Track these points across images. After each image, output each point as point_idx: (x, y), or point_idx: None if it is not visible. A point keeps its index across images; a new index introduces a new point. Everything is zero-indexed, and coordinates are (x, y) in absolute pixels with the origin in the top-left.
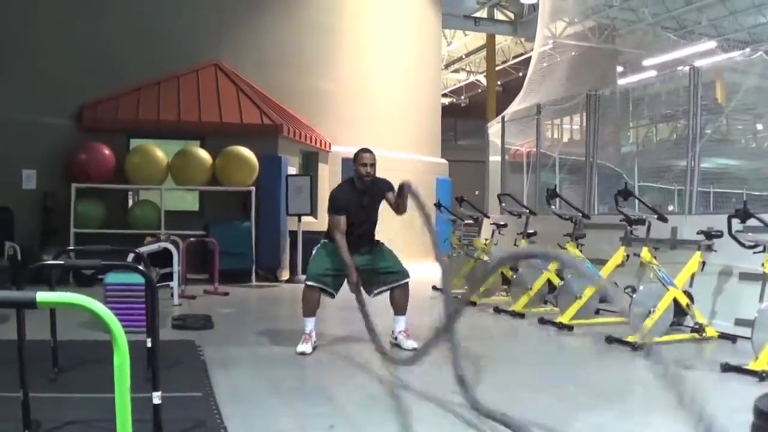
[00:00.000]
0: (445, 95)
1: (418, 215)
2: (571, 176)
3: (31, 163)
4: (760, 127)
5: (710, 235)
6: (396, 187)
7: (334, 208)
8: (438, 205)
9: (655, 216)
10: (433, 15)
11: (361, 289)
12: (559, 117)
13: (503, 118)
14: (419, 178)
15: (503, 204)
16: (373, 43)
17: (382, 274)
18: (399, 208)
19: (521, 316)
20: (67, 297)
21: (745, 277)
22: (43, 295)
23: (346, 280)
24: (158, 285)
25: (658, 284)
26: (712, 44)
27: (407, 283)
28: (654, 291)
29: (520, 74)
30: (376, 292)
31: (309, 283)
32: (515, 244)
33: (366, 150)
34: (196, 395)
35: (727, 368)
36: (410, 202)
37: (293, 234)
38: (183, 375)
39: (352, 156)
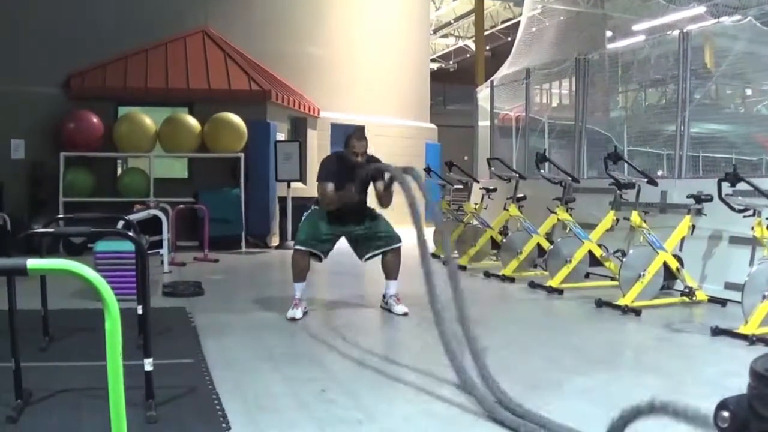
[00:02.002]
0: (433, 60)
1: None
2: (560, 141)
3: (19, 132)
4: (749, 92)
5: (700, 198)
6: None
7: (322, 176)
8: (427, 170)
9: (645, 180)
10: None
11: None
12: (548, 81)
13: (492, 82)
14: (408, 143)
15: (492, 168)
16: (362, 9)
17: (374, 238)
18: (382, 201)
19: (511, 280)
20: (57, 263)
21: (735, 240)
22: (33, 262)
23: (335, 245)
24: (148, 252)
25: (648, 248)
26: (701, 9)
27: (399, 247)
28: (644, 255)
29: (509, 39)
30: (367, 256)
31: (298, 247)
32: (505, 209)
33: (360, 137)
34: (188, 362)
35: (717, 332)
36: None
37: (282, 200)
38: (174, 342)
39: (340, 121)
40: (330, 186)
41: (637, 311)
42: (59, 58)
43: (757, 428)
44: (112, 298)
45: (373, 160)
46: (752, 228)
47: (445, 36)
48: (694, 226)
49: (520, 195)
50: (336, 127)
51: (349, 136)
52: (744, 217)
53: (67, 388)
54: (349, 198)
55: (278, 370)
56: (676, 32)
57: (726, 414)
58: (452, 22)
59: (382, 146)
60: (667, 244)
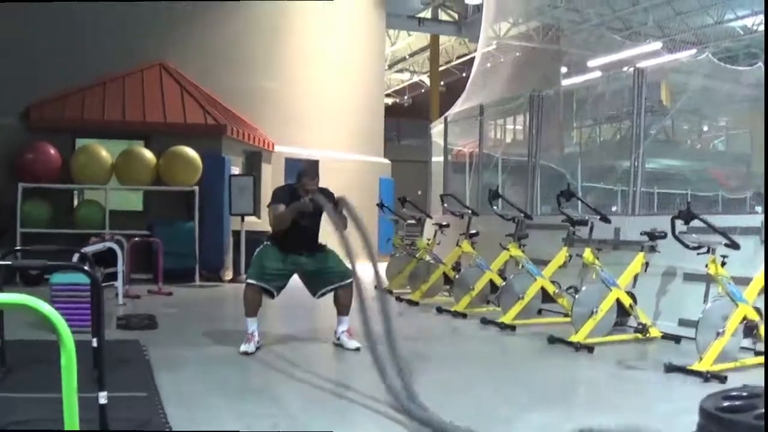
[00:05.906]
0: (388, 95)
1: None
2: (514, 177)
3: None
4: (705, 128)
5: (654, 236)
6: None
7: (274, 200)
8: (381, 206)
9: (598, 217)
10: (378, 15)
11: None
12: (502, 117)
13: (446, 118)
14: (362, 178)
15: (446, 204)
16: (318, 43)
17: (326, 274)
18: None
19: (463, 316)
20: (14, 298)
21: (689, 277)
22: None
23: (287, 281)
24: (103, 285)
25: (601, 285)
26: (657, 45)
27: (351, 283)
28: (597, 291)
29: (464, 75)
30: (320, 293)
31: (250, 281)
32: (458, 245)
33: (312, 176)
34: (141, 395)
35: (670, 368)
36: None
37: (236, 234)
38: (128, 375)
39: (294, 155)
40: (281, 206)
41: (590, 348)
42: (18, 89)
43: None
44: (67, 331)
45: (325, 192)
46: (706, 265)
47: (401, 71)
48: (647, 263)
49: (472, 231)
50: (290, 162)
51: (300, 173)
52: (698, 254)
53: (24, 419)
54: (302, 207)
55: (231, 405)
56: (631, 68)
57: None
58: (407, 57)
59: (335, 180)
60: (620, 281)
